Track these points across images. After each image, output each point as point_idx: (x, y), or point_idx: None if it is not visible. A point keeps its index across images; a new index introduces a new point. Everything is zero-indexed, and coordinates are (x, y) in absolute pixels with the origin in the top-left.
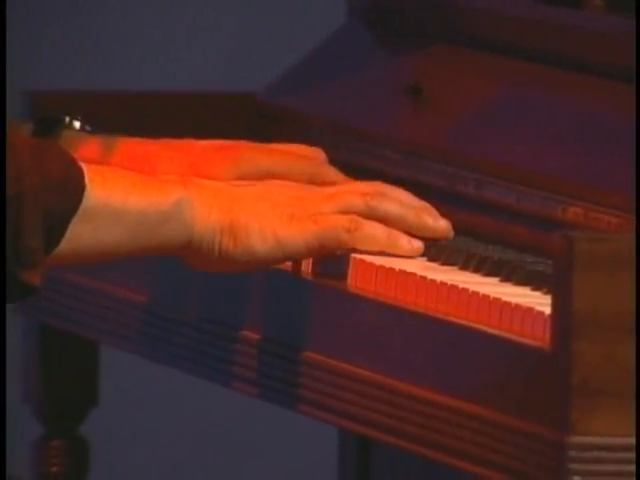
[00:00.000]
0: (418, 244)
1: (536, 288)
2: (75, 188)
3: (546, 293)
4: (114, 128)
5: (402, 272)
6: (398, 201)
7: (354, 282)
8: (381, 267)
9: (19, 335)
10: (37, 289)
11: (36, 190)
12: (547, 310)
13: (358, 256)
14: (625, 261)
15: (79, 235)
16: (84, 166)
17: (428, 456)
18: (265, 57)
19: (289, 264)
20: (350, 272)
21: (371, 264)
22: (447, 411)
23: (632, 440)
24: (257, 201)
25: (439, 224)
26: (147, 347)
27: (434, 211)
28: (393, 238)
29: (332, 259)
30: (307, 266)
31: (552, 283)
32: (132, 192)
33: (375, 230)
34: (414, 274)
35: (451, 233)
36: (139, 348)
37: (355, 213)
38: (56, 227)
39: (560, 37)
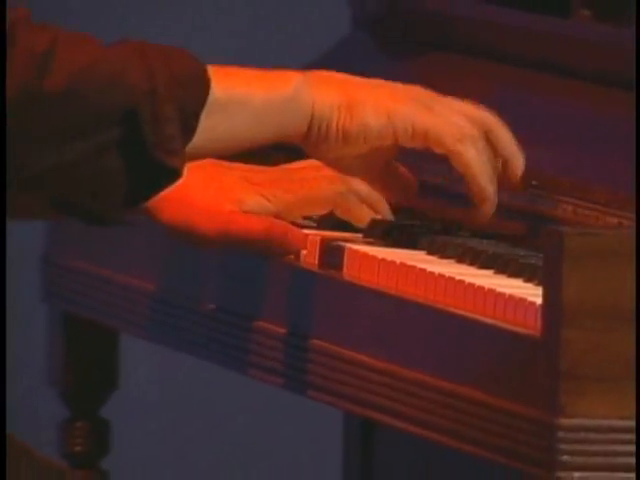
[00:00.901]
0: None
1: (528, 280)
2: (203, 82)
3: (537, 284)
4: None
5: (403, 265)
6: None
7: (358, 274)
8: (383, 260)
9: (44, 323)
10: (180, 175)
11: (168, 85)
12: (538, 300)
13: (361, 249)
14: (611, 254)
15: (211, 126)
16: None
17: (426, 437)
18: (273, 63)
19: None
20: (355, 265)
21: (374, 257)
22: (445, 395)
23: (618, 422)
24: (375, 86)
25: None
26: (163, 334)
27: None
28: (490, 169)
29: (335, 253)
30: (313, 259)
31: (543, 275)
32: (253, 82)
33: (472, 149)
34: (414, 267)
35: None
36: (155, 335)
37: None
38: (189, 119)
39: (549, 44)
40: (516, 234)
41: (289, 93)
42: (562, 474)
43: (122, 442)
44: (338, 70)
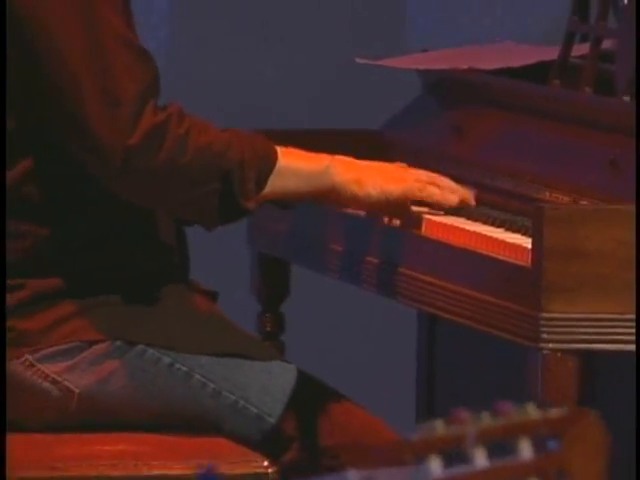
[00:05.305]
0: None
1: (524, 234)
2: (272, 156)
3: (529, 237)
4: None
5: (451, 225)
6: (442, 186)
7: (424, 231)
8: (435, 221)
9: (249, 258)
10: (252, 213)
11: (251, 158)
12: (529, 246)
13: (427, 216)
14: (572, 220)
15: (274, 185)
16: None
17: (461, 323)
18: (362, 120)
19: (383, 218)
20: (421, 225)
21: (433, 220)
22: (474, 300)
23: (576, 314)
24: (372, 169)
25: (462, 195)
26: (316, 265)
27: (459, 190)
28: (445, 194)
29: (412, 219)
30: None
31: (532, 231)
32: (302, 160)
33: (433, 190)
34: (457, 226)
35: (472, 202)
36: (313, 265)
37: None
38: (262, 178)
39: (535, 101)
40: (517, 207)
41: (323, 169)
42: (542, 345)
43: (293, 326)
44: (416, 115)
